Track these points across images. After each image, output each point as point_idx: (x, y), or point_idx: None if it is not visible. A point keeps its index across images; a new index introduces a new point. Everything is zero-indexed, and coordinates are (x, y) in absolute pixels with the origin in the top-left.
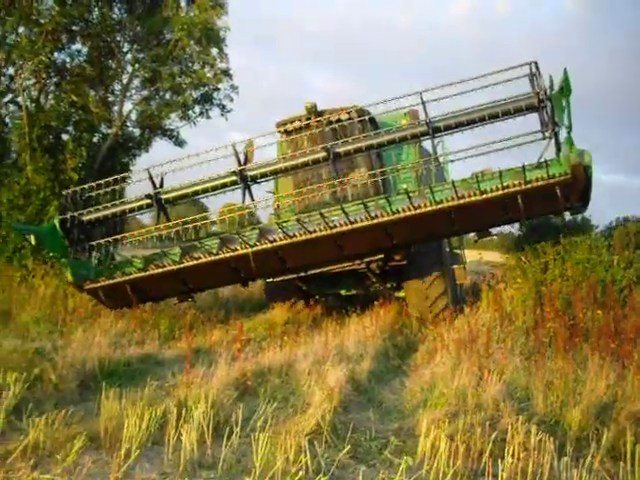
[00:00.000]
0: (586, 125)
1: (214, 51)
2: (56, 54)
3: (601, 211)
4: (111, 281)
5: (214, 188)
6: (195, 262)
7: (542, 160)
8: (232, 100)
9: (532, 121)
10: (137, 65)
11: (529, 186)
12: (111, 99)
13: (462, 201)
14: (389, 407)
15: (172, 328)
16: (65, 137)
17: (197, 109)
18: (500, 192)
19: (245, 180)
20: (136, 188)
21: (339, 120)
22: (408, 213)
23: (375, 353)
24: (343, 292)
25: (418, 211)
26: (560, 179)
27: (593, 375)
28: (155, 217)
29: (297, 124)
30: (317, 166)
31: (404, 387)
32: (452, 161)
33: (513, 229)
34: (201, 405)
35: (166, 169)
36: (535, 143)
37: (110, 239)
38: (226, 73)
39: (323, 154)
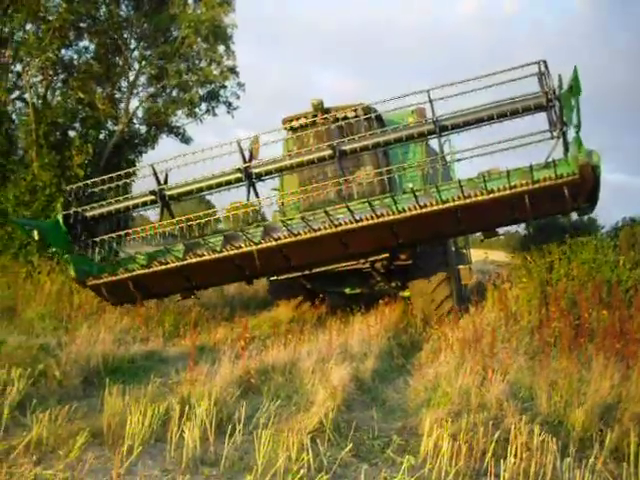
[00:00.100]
0: (588, 124)
1: (221, 48)
2: (63, 51)
3: (607, 211)
4: (114, 277)
5: (218, 185)
6: (198, 259)
7: (550, 160)
8: (239, 97)
9: (539, 120)
10: (144, 62)
11: (536, 186)
12: (118, 96)
13: (469, 200)
14: (392, 406)
15: (177, 325)
16: (72, 134)
17: (203, 106)
18: (507, 192)
19: (250, 177)
20: (142, 185)
21: (345, 117)
22: (414, 212)
23: (379, 352)
24: (347, 291)
25: (424, 210)
26: (568, 179)
27: (597, 375)
28: (159, 214)
29: (303, 121)
30: (323, 164)
31: (408, 386)
32: (459, 160)
33: (519, 228)
34: (204, 402)
35: (171, 165)
36: (542, 142)
37: (113, 235)
38: (233, 70)
39: (329, 152)
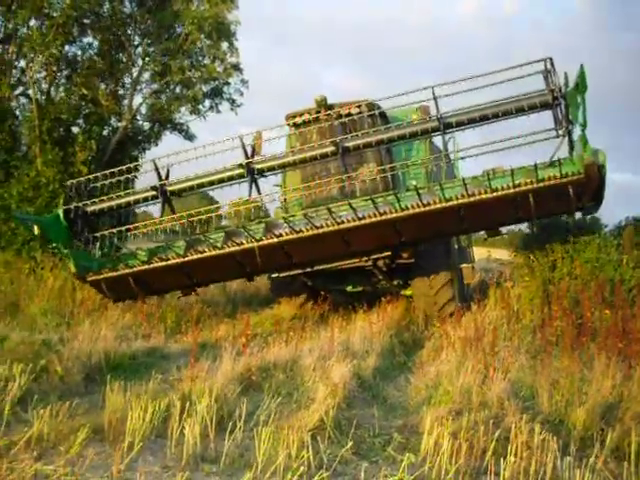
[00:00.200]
0: (590, 123)
1: (224, 45)
2: (67, 47)
3: (610, 210)
4: (114, 273)
5: (220, 181)
6: (199, 256)
7: (555, 159)
8: (242, 94)
9: (543, 118)
10: (147, 58)
11: (541, 185)
12: (121, 92)
13: (472, 199)
14: (393, 404)
15: (179, 322)
16: (75, 130)
17: (207, 103)
18: (511, 190)
19: (252, 173)
20: (145, 181)
21: (349, 114)
22: (417, 210)
23: (381, 349)
24: (349, 288)
25: (427, 208)
26: (573, 178)
27: (599, 375)
28: (170, 209)
29: (306, 117)
30: (325, 160)
31: (409, 384)
32: (463, 158)
33: (522, 227)
34: (205, 399)
35: (172, 161)
36: (547, 141)
37: (114, 231)
38: (236, 67)
39: (332, 148)
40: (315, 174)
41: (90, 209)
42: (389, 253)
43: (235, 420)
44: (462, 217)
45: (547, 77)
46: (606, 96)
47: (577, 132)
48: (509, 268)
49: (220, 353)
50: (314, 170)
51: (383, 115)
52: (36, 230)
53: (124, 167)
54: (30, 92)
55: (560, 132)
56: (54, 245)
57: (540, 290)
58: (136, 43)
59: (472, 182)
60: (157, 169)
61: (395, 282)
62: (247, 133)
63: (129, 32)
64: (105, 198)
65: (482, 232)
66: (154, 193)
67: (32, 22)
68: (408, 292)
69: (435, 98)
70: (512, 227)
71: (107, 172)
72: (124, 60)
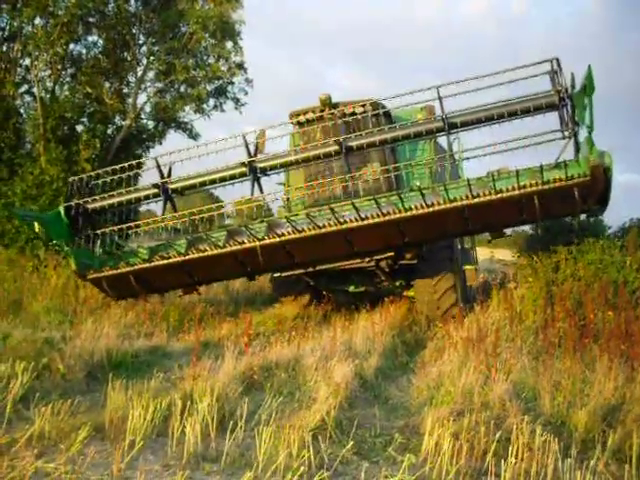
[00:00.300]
0: (597, 124)
1: (229, 44)
2: (72, 46)
3: (616, 211)
4: (115, 271)
5: (222, 179)
6: (201, 254)
7: (560, 160)
8: (246, 94)
9: (549, 119)
10: (152, 57)
11: (546, 187)
12: (126, 91)
13: (477, 200)
14: (395, 404)
15: (181, 320)
16: (79, 128)
17: (211, 102)
18: (516, 192)
19: (254, 172)
20: (149, 179)
21: (353, 113)
22: (421, 211)
23: (383, 350)
24: (351, 289)
25: (431, 209)
26: (579, 180)
27: (601, 377)
28: (167, 208)
29: (310, 116)
30: (329, 159)
31: (411, 384)
32: (467, 159)
33: (526, 227)
34: (206, 398)
35: (174, 159)
36: (552, 142)
37: (115, 228)
38: (240, 66)
39: (335, 147)
40: (318, 173)
41: (91, 206)
42: (392, 254)
43: (236, 419)
44: (466, 218)
45: (553, 78)
46: (614, 96)
47: (583, 133)
48: (512, 269)
49: (222, 352)
50: (317, 169)
51: (387, 115)
52: (37, 227)
53: (126, 164)
54: (35, 90)
55: (566, 133)
56: (55, 242)
57: (543, 291)
58: (141, 42)
59: (476, 183)
60: (159, 167)
61: (398, 283)
62: (250, 131)
63: (134, 31)
64: (106, 195)
65: (486, 233)
66: (156, 191)
67: (37, 20)
68: (411, 293)
69: (440, 98)
70: (516, 228)
71: (109, 169)
72: (129, 59)
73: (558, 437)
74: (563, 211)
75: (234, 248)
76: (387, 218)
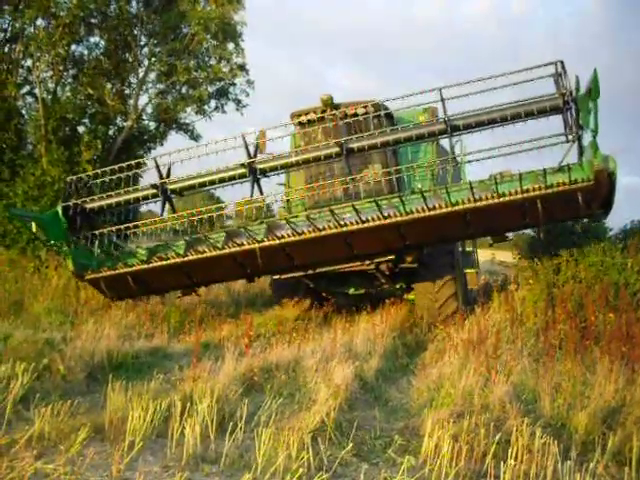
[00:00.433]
0: (601, 126)
1: (230, 46)
2: (73, 47)
3: (617, 213)
4: (113, 272)
5: (222, 180)
6: (199, 256)
7: (564, 164)
8: (248, 95)
9: (551, 121)
10: (153, 59)
11: (550, 191)
12: (127, 92)
13: (479, 204)
14: (395, 406)
15: (182, 322)
16: (81, 129)
17: (213, 103)
18: (519, 196)
19: (254, 173)
20: (150, 180)
21: (355, 114)
22: (422, 214)
23: (384, 351)
24: (351, 291)
25: (433, 212)
26: (582, 185)
27: (602, 379)
28: (168, 209)
29: (312, 116)
30: (330, 161)
31: (411, 386)
32: (470, 162)
33: (527, 230)
34: (206, 399)
35: (174, 159)
36: (554, 145)
37: (113, 229)
38: (242, 68)
39: (336, 149)
40: (319, 174)
41: (89, 206)
42: (393, 257)
43: (236, 421)
44: (468, 222)
45: (558, 80)
46: (617, 98)
47: (587, 137)
48: (513, 271)
49: (223, 353)
50: (318, 170)
51: (389, 116)
52: (34, 227)
53: (124, 164)
54: (36, 91)
55: (570, 137)
56: (52, 243)
57: (544, 293)
58: (142, 43)
59: (479, 186)
60: (158, 167)
61: (398, 285)
62: (250, 132)
63: (135, 32)
64: (105, 195)
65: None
66: (154, 191)
67: (39, 22)
68: (411, 296)
69: (443, 100)
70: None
71: (107, 169)
72: (130, 60)
73: (558, 439)
74: (566, 215)
75: (233, 250)
76: (388, 221)
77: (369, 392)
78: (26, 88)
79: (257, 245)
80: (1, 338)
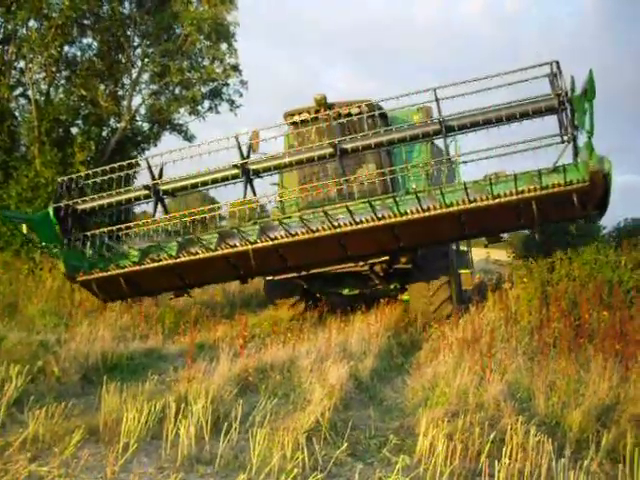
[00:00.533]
0: (598, 125)
1: (223, 46)
2: (66, 48)
3: (611, 211)
4: (105, 274)
5: (214, 181)
6: (192, 257)
7: (559, 164)
8: (241, 95)
9: (546, 121)
10: (147, 59)
11: (545, 192)
12: (120, 93)
13: (474, 205)
14: (390, 405)
15: (177, 323)
16: (74, 131)
17: (206, 104)
18: (514, 197)
19: (247, 174)
20: (144, 181)
21: (349, 114)
22: (416, 215)
23: (379, 351)
24: (345, 292)
25: (427, 214)
26: (578, 186)
27: (596, 376)
28: (162, 209)
29: (305, 116)
30: (323, 161)
31: (406, 385)
32: (465, 162)
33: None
34: (201, 400)
35: (166, 159)
36: (549, 145)
37: (105, 230)
38: (235, 68)
39: (330, 150)
40: (313, 174)
41: (81, 207)
42: (387, 258)
43: (231, 421)
44: (463, 223)
45: (553, 81)
46: (612, 97)
47: (582, 138)
48: (508, 269)
49: (217, 354)
50: (312, 170)
51: (384, 116)
52: (25, 229)
53: (116, 165)
54: (29, 93)
55: (565, 137)
56: (44, 244)
57: (538, 291)
58: (135, 44)
59: (473, 187)
60: (150, 168)
61: (392, 286)
62: (244, 132)
63: (128, 33)
64: (96, 196)
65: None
66: (146, 192)
67: (31, 23)
68: (405, 297)
69: (437, 100)
70: None
71: (99, 170)
72: (123, 61)
73: (552, 437)
74: (561, 216)
75: (226, 251)
76: (382, 222)
77: (364, 392)
78: (19, 90)
79: (250, 247)
80: None
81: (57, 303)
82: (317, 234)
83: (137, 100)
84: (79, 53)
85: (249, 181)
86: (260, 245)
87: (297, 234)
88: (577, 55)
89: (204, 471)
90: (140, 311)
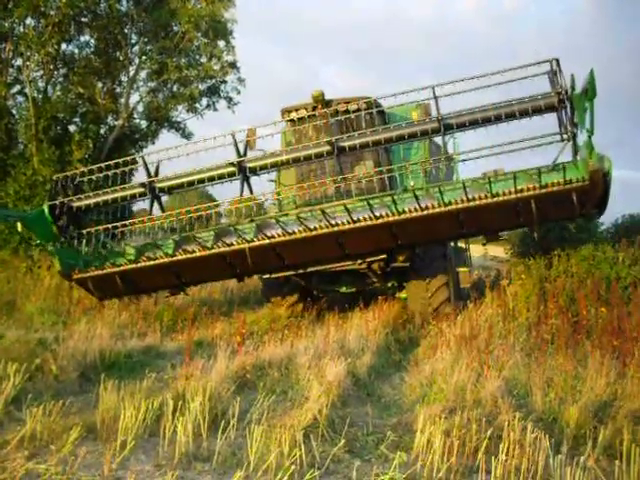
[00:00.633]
0: (600, 121)
1: (221, 44)
2: (63, 46)
3: (609, 207)
4: (101, 271)
5: (211, 179)
6: (188, 255)
7: (558, 163)
8: (239, 93)
9: (545, 120)
10: (144, 57)
11: (544, 191)
12: (118, 91)
13: (472, 204)
14: (388, 402)
15: (175, 320)
16: (72, 128)
17: (204, 101)
18: (513, 196)
19: (244, 172)
20: (142, 178)
21: (347, 111)
22: (414, 214)
23: (376, 348)
24: (343, 289)
25: (425, 212)
26: (577, 185)
27: (593, 373)
28: (159, 207)
29: (303, 113)
30: (321, 159)
31: (404, 382)
32: (464, 161)
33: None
34: (198, 398)
35: (163, 157)
36: (548, 144)
37: (101, 228)
38: (233, 65)
39: (327, 148)
40: (310, 171)
41: (76, 205)
42: (384, 256)
43: (228, 419)
44: (461, 222)
45: (553, 79)
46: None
47: (581, 136)
48: (506, 266)
49: (215, 351)
50: (309, 167)
51: (382, 113)
52: (19, 227)
53: (112, 162)
54: (27, 91)
55: (565, 136)
56: (38, 242)
57: (536, 288)
58: (133, 41)
59: (472, 185)
60: (146, 165)
61: (390, 284)
62: (240, 130)
63: (126, 30)
64: (92, 194)
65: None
66: (142, 190)
67: (28, 20)
68: (403, 295)
69: (436, 98)
70: None
71: (94, 167)
72: (121, 58)
73: (549, 433)
74: (561, 215)
75: (222, 250)
76: (380, 221)
77: (362, 388)
78: (16, 87)
79: (247, 245)
80: None
81: (55, 301)
82: (314, 232)
83: (135, 98)
84: (76, 51)
85: (246, 179)
86: (257, 243)
87: (294, 232)
88: (571, 53)
89: (201, 468)
90: (138, 309)
